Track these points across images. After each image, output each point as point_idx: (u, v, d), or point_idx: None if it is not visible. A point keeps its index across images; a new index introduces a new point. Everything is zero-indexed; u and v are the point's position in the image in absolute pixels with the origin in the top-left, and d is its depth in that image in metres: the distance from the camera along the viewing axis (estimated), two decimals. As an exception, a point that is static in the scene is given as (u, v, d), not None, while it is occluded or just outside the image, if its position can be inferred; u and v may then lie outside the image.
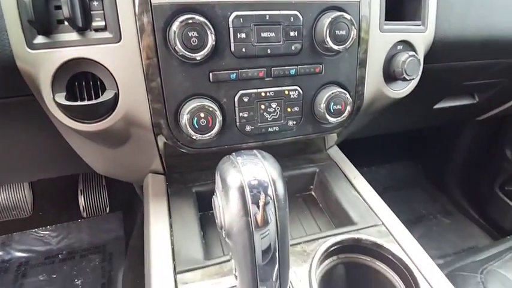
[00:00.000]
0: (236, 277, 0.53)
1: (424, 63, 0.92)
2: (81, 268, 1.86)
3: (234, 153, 0.52)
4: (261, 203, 0.45)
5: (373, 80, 0.86)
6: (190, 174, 0.96)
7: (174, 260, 0.71)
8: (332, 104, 0.79)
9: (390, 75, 0.87)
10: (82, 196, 2.05)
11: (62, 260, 1.89)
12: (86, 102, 0.68)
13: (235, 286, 0.61)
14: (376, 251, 0.76)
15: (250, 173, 0.47)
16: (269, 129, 0.80)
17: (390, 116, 1.24)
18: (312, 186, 1.04)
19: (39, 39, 0.65)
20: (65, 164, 1.37)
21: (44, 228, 2.01)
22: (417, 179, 2.35)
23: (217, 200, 0.49)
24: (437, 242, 1.87)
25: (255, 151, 0.52)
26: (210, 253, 0.80)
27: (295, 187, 1.03)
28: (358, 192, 0.92)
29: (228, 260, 0.71)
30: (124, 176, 1.10)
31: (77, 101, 0.69)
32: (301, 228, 0.92)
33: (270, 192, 0.46)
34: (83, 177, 2.10)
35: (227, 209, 0.46)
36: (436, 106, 1.40)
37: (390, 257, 0.74)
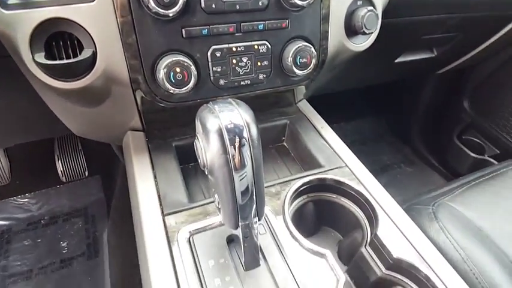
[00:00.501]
0: (219, 210, 0.61)
1: (383, 18, 1.00)
2: (65, 231, 1.89)
3: (211, 102, 0.58)
4: (237, 144, 0.53)
5: (335, 34, 0.93)
6: (169, 130, 1.02)
7: (160, 204, 0.79)
8: (298, 57, 0.86)
9: (351, 29, 0.95)
10: (59, 161, 2.05)
11: (44, 225, 1.92)
12: (65, 61, 0.72)
13: (217, 223, 0.71)
14: (339, 188, 0.87)
15: (227, 118, 0.54)
16: (241, 83, 0.86)
17: (355, 70, 1.33)
18: (283, 138, 1.13)
19: None
20: (40, 128, 1.37)
21: (22, 196, 2.00)
22: (382, 133, 2.50)
23: (199, 143, 0.56)
24: (401, 189, 2.04)
25: (230, 99, 0.58)
26: (193, 197, 0.89)
27: (268, 139, 1.11)
28: (325, 140, 1.01)
29: (211, 202, 0.80)
30: (103, 136, 1.13)
31: (55, 60, 0.73)
32: (274, 174, 1.02)
33: (245, 134, 0.53)
34: (58, 142, 2.09)
35: (208, 149, 0.53)
36: (397, 60, 1.49)
37: (352, 192, 0.85)
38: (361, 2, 0.95)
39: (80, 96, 0.85)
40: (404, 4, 1.07)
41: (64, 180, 2.08)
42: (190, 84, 0.78)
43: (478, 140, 2.05)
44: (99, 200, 2.06)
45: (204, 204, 0.79)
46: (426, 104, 2.27)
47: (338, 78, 1.24)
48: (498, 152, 1.93)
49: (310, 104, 1.20)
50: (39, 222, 1.94)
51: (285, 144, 1.13)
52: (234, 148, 0.53)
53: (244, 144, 0.54)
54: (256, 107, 1.09)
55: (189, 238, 0.70)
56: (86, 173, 2.12)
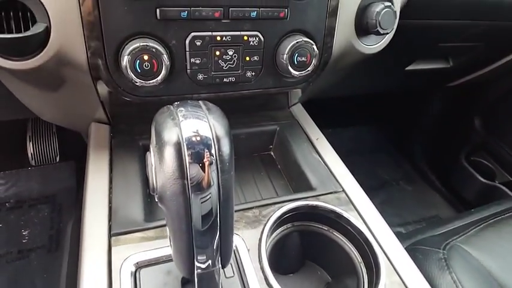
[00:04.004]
0: (171, 246, 0.50)
1: (399, 18, 0.89)
2: (29, 218, 1.82)
3: (175, 103, 0.47)
4: (200, 164, 0.41)
5: (343, 32, 0.82)
6: (138, 126, 0.91)
7: (110, 220, 0.68)
8: (296, 54, 0.75)
9: (363, 27, 0.83)
10: (31, 143, 1.97)
11: (9, 209, 1.84)
12: (12, 35, 0.62)
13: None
14: (334, 220, 0.75)
15: (190, 127, 0.42)
16: (224, 80, 0.75)
17: (359, 75, 1.22)
18: (271, 146, 1.02)
19: None
20: (12, 107, 1.29)
21: None
22: (382, 144, 2.40)
23: (150, 158, 0.44)
24: (398, 209, 1.95)
25: (200, 102, 0.47)
26: (154, 213, 0.77)
27: (253, 146, 1.00)
28: (319, 155, 0.91)
29: None
30: (68, 124, 1.04)
31: (3, 33, 0.63)
32: (256, 190, 0.91)
33: (213, 151, 0.42)
34: (32, 123, 2.01)
35: (160, 169, 0.41)
36: (408, 68, 1.39)
37: (349, 227, 0.73)
38: (376, -4, 0.83)
39: (32, 77, 0.74)
40: (426, 4, 0.96)
41: (33, 164, 2.01)
42: (160, 76, 0.66)
43: (487, 163, 1.95)
44: (69, 187, 1.98)
45: (162, 226, 0.67)
46: (433, 118, 2.17)
47: (339, 82, 1.14)
48: (510, 178, 1.83)
49: (305, 105, 1.09)
50: (4, 205, 1.87)
51: (271, 153, 1.03)
52: (197, 168, 0.41)
53: (211, 163, 0.42)
54: (242, 108, 1.00)
55: (135, 272, 0.59)
56: (57, 158, 2.05)
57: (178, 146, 0.40)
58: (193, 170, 0.41)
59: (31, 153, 1.98)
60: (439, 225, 1.08)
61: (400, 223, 1.88)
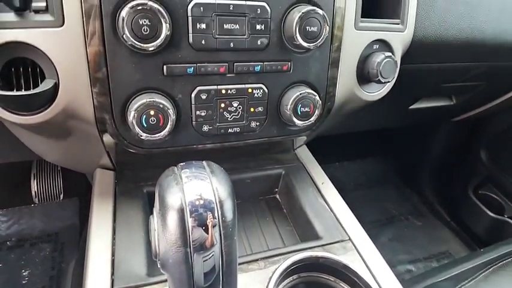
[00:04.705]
0: None
1: (400, 64, 0.91)
2: (30, 258, 1.79)
3: (180, 165, 0.48)
4: (204, 227, 0.42)
5: (345, 81, 0.85)
6: (143, 172, 0.92)
7: (113, 274, 0.68)
8: (299, 105, 0.76)
9: (364, 76, 0.86)
10: (35, 181, 1.98)
11: (9, 248, 1.83)
12: (21, 93, 0.64)
13: None
14: (341, 271, 0.74)
15: (193, 190, 0.43)
16: (229, 130, 0.77)
17: (362, 114, 1.24)
18: (276, 189, 1.03)
19: None
20: (17, 150, 1.31)
21: None
22: (389, 176, 2.39)
23: (153, 223, 0.45)
24: (408, 246, 1.92)
25: (204, 163, 0.48)
26: (157, 266, 0.77)
27: (258, 189, 1.01)
28: (325, 201, 0.91)
29: None
30: (74, 167, 1.05)
31: (13, 89, 0.66)
32: (262, 238, 0.90)
33: (216, 214, 0.43)
34: (37, 161, 2.03)
35: (163, 235, 0.42)
36: (411, 107, 1.41)
37: (355, 279, 0.73)
38: (377, 46, 0.87)
39: (39, 129, 0.76)
40: (427, 49, 0.99)
41: (36, 202, 2.00)
42: (166, 130, 0.68)
43: (496, 197, 1.94)
44: (72, 225, 1.97)
45: (166, 281, 0.67)
46: (439, 151, 2.18)
47: (343, 122, 1.15)
48: (519, 213, 1.81)
49: (311, 140, 1.10)
50: (5, 243, 1.85)
51: (277, 197, 1.03)
52: (200, 233, 0.42)
53: (215, 225, 0.43)
54: (247, 151, 1.02)
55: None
56: (62, 196, 2.05)
57: (181, 213, 0.42)
58: (196, 234, 0.42)
59: (35, 191, 1.98)
60: (448, 268, 1.07)
61: (410, 260, 1.85)
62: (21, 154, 1.40)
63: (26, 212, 1.96)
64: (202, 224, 0.42)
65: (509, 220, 1.82)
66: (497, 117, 1.89)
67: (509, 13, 1.10)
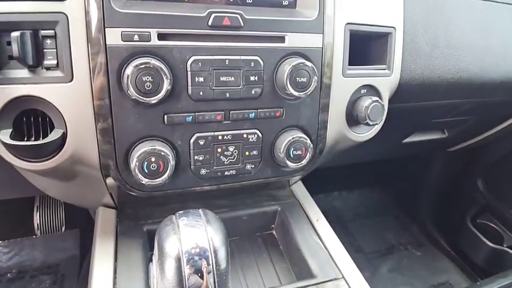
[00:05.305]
0: None
1: (389, 103, 0.97)
2: (30, 290, 1.80)
3: (178, 213, 0.53)
4: (199, 274, 0.47)
5: (335, 124, 0.90)
6: (143, 209, 0.97)
7: None
8: (292, 149, 0.82)
9: (353, 118, 0.92)
10: (37, 213, 2.02)
11: (10, 280, 1.84)
12: (32, 143, 0.69)
13: None
14: None
15: (190, 240, 0.48)
16: (225, 173, 0.82)
17: (356, 149, 1.29)
18: (273, 225, 1.06)
19: None
20: (20, 186, 1.36)
21: None
22: (388, 206, 2.42)
23: (153, 270, 0.50)
24: (408, 277, 1.92)
25: (200, 212, 0.53)
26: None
27: (255, 226, 1.05)
28: (319, 238, 0.95)
29: None
30: (76, 204, 1.10)
31: (23, 137, 0.71)
32: (258, 276, 0.94)
33: (210, 261, 0.48)
34: (40, 195, 2.06)
35: (162, 283, 0.47)
36: (405, 140, 1.46)
37: None
38: (365, 91, 0.93)
39: (46, 174, 0.81)
40: (414, 90, 1.05)
41: (38, 234, 2.04)
42: (165, 175, 0.73)
43: (494, 226, 1.96)
44: (73, 257, 1.98)
45: None
46: (436, 180, 2.21)
47: (337, 156, 1.20)
48: (517, 242, 1.83)
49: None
50: (6, 275, 1.87)
51: (274, 233, 1.07)
52: (195, 279, 0.47)
53: (209, 272, 0.48)
54: (244, 189, 1.06)
55: None
56: (63, 228, 2.08)
57: (178, 262, 0.47)
58: (192, 280, 0.47)
59: (37, 224, 2.01)
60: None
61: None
62: (25, 190, 1.44)
63: (27, 244, 1.99)
64: (198, 271, 0.47)
65: (509, 250, 1.83)
66: (492, 146, 1.93)
67: (494, 52, 1.16)
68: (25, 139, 0.72)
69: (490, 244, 1.90)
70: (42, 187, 1.02)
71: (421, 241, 2.21)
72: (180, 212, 0.53)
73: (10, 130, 0.69)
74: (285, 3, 0.82)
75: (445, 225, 2.20)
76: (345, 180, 2.35)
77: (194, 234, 0.49)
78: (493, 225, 1.97)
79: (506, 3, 1.19)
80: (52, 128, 0.72)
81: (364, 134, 0.96)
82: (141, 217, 0.95)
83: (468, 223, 2.03)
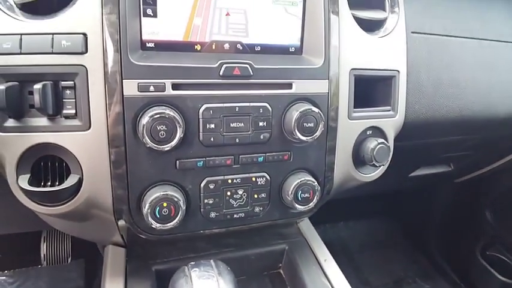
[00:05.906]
0: None
1: (394, 142, 1.00)
2: (33, 322, 1.79)
3: (190, 264, 0.55)
4: None
5: (342, 165, 0.93)
6: (152, 248, 0.98)
7: None
8: (300, 192, 0.84)
9: (360, 159, 0.94)
10: (45, 244, 2.04)
11: None
12: (49, 189, 0.72)
13: None
14: None
15: None
16: (234, 216, 0.84)
17: (363, 184, 1.31)
18: (280, 264, 1.07)
19: (10, 122, 0.70)
20: (29, 221, 1.38)
21: (1, 273, 1.97)
22: (396, 237, 2.41)
23: None
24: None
25: (212, 262, 0.55)
26: None
27: (262, 265, 1.05)
28: (327, 279, 0.95)
29: None
30: (86, 239, 1.11)
31: (40, 182, 0.74)
32: None
33: None
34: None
35: None
36: (411, 174, 1.48)
37: None
38: (371, 132, 0.96)
39: (57, 216, 0.84)
40: (418, 129, 1.08)
41: (44, 264, 2.04)
42: (176, 220, 0.75)
43: (505, 258, 1.94)
44: (77, 287, 1.98)
45: None
46: (444, 211, 2.20)
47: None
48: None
49: None
50: (8, 308, 1.86)
51: (281, 272, 1.07)
52: None
53: None
54: (251, 228, 1.08)
55: None
56: (69, 260, 2.09)
57: None
58: None
59: (44, 254, 2.02)
60: None
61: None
62: (34, 224, 1.47)
63: (33, 274, 1.99)
64: None
65: (519, 284, 1.82)
66: (500, 176, 1.94)
67: (497, 90, 1.20)
68: (42, 184, 0.75)
69: (501, 278, 1.88)
70: (51, 223, 1.04)
71: (429, 273, 2.18)
72: (192, 263, 0.56)
73: (28, 175, 0.72)
74: (292, 50, 0.86)
75: (454, 257, 2.18)
76: (352, 210, 2.34)
77: (206, 285, 0.51)
78: (503, 257, 1.95)
79: (510, 42, 1.23)
80: (68, 172, 0.75)
81: (370, 174, 0.98)
82: (150, 256, 0.97)
83: (478, 255, 2.01)
